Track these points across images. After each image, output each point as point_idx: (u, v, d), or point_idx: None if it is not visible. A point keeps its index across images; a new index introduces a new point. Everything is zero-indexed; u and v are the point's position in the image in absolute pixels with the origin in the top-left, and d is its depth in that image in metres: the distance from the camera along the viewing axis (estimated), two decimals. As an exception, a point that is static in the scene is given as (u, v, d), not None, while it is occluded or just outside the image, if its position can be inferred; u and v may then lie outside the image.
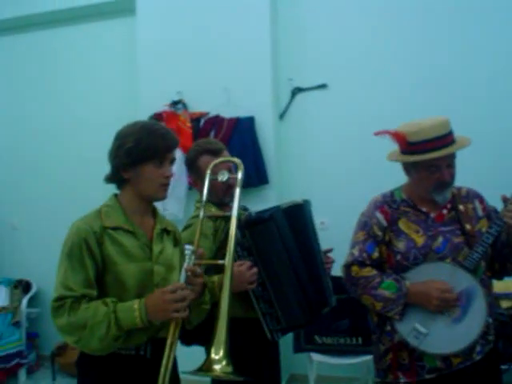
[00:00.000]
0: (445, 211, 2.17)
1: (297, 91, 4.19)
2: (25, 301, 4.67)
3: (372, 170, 3.84)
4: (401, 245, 2.13)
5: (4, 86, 5.17)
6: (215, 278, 2.06)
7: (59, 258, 1.75)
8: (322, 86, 4.14)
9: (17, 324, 4.54)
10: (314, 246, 2.39)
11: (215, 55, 4.11)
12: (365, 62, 4.04)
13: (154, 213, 1.95)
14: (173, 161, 1.88)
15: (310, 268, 2.30)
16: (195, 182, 2.44)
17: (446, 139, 2.06)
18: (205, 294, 1.92)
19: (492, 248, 2.12)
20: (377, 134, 2.17)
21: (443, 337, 2.02)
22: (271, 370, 2.43)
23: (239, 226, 2.18)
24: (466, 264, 2.04)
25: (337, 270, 2.43)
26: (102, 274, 1.75)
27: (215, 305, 1.85)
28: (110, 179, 1.88)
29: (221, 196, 2.32)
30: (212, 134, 4.02)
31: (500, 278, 2.26)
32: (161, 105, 4.13)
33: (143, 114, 3.92)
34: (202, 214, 2.03)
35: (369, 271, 2.15)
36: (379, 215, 2.19)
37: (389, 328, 2.13)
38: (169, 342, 1.70)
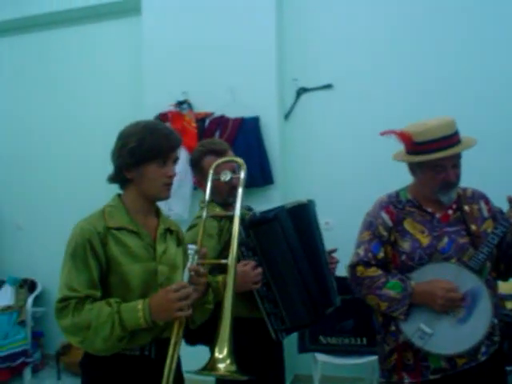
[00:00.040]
0: (450, 212, 2.16)
1: (302, 91, 4.18)
2: (30, 300, 4.69)
3: (377, 170, 3.83)
4: (406, 245, 2.12)
5: (10, 86, 5.18)
6: (219, 277, 2.06)
7: (63, 258, 1.75)
8: (327, 87, 4.13)
9: (22, 323, 4.56)
10: (318, 246, 2.38)
11: (220, 56, 4.11)
12: (370, 62, 4.03)
13: (157, 213, 1.95)
14: (176, 160, 1.88)
15: (314, 268, 2.30)
16: (200, 182, 2.44)
17: (451, 139, 2.05)
18: (208, 293, 1.92)
19: (497, 249, 2.11)
20: (383, 133, 2.17)
21: (448, 337, 2.02)
22: (275, 370, 2.43)
23: (244, 226, 2.18)
24: (472, 264, 2.04)
25: (341, 271, 2.43)
26: (106, 274, 1.75)
27: (219, 304, 1.84)
28: (112, 179, 1.88)
29: (225, 196, 2.33)
30: (217, 134, 4.03)
31: (505, 279, 2.25)
32: (166, 105, 4.13)
33: (148, 114, 3.92)
34: (204, 214, 2.03)
35: (374, 271, 2.15)
36: (384, 215, 2.19)
37: (394, 328, 2.13)
38: (172, 341, 1.70)
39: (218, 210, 2.32)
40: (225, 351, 1.69)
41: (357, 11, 4.08)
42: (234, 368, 1.68)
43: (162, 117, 4.09)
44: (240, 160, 2.16)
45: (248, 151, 3.85)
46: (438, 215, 2.16)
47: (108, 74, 4.80)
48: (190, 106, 4.14)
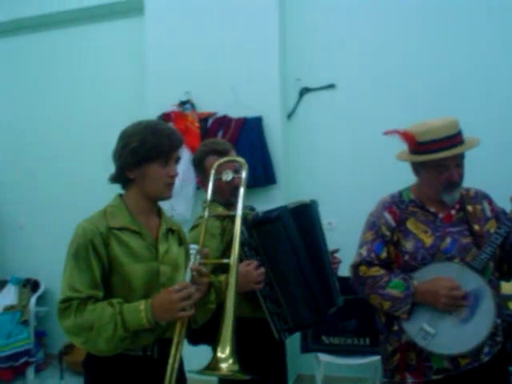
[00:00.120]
0: (453, 212, 2.16)
1: (305, 91, 4.18)
2: (33, 300, 4.70)
3: (380, 170, 3.83)
4: (409, 245, 2.12)
5: (13, 86, 5.19)
6: (222, 277, 2.06)
7: (65, 259, 1.75)
8: (330, 86, 4.13)
9: (25, 323, 4.57)
10: (321, 246, 2.38)
11: (223, 55, 4.11)
12: (373, 62, 4.03)
13: (159, 212, 1.95)
14: (178, 160, 1.88)
15: (317, 268, 2.30)
16: (202, 182, 2.44)
17: (454, 139, 2.05)
18: (210, 293, 1.92)
19: (500, 249, 2.11)
20: (386, 133, 2.17)
21: (451, 337, 2.02)
22: (278, 370, 2.44)
23: (247, 226, 2.18)
24: (475, 264, 2.03)
25: (344, 271, 2.43)
26: (108, 274, 1.75)
27: (222, 304, 1.84)
28: (114, 179, 1.88)
29: (227, 196, 2.33)
30: (220, 134, 4.03)
31: (508, 279, 2.25)
32: (169, 105, 4.13)
33: (151, 114, 3.93)
34: (206, 214, 2.03)
35: (376, 271, 2.15)
36: (387, 215, 2.19)
37: (396, 328, 2.13)
38: (175, 341, 1.70)
39: (220, 210, 2.32)
40: (227, 351, 1.69)
41: (359, 11, 4.07)
42: (236, 368, 1.68)
43: (165, 117, 4.10)
44: (241, 160, 2.15)
45: (251, 151, 3.85)
46: (440, 215, 2.15)
47: (111, 74, 4.81)
48: (192, 105, 4.14)
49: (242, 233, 1.96)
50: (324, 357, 3.67)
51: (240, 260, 1.98)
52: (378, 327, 2.29)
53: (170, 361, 1.68)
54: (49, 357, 4.89)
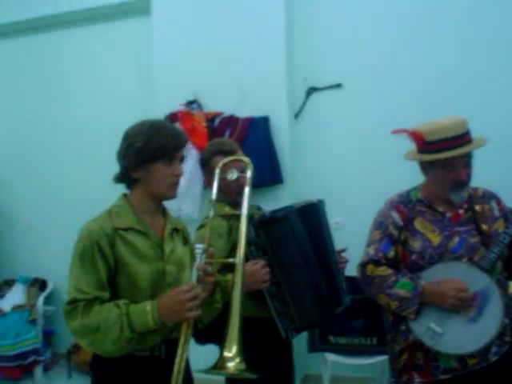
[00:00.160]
0: (461, 211, 2.16)
1: (312, 91, 4.18)
2: (41, 299, 4.71)
3: (387, 169, 3.82)
4: (416, 244, 2.12)
5: (20, 86, 5.21)
6: (229, 276, 2.06)
7: (71, 260, 1.74)
8: (337, 86, 4.12)
9: (33, 322, 4.58)
10: (328, 246, 2.38)
11: (230, 55, 4.11)
12: (380, 61, 4.01)
13: (164, 212, 1.94)
14: (182, 159, 1.88)
15: (324, 267, 2.30)
16: (209, 181, 2.43)
17: (462, 139, 2.05)
18: (216, 292, 1.91)
19: (509, 249, 2.11)
20: (395, 132, 2.18)
21: (458, 337, 2.01)
22: (285, 370, 2.43)
23: (254, 226, 2.18)
24: (482, 264, 2.03)
25: (351, 270, 2.43)
26: (114, 275, 1.74)
27: (229, 303, 1.84)
28: (119, 179, 1.88)
29: (233, 195, 2.32)
30: (227, 133, 4.02)
31: (516, 279, 2.24)
32: (176, 105, 4.14)
33: (158, 114, 3.93)
34: (211, 213, 2.03)
35: (384, 270, 2.14)
36: (395, 215, 2.19)
37: (404, 328, 2.12)
38: (181, 340, 1.70)
39: (227, 210, 2.32)
40: (234, 350, 1.69)
41: (366, 10, 4.06)
42: (243, 366, 1.67)
43: (172, 116, 4.10)
44: (246, 159, 2.14)
45: (258, 151, 3.84)
46: (448, 215, 2.15)
47: (118, 74, 4.82)
48: (199, 105, 4.15)
49: (248, 232, 1.96)
50: (331, 356, 3.67)
51: (247, 259, 1.97)
52: (385, 327, 2.29)
53: (177, 360, 1.67)
54: (57, 356, 4.90)
